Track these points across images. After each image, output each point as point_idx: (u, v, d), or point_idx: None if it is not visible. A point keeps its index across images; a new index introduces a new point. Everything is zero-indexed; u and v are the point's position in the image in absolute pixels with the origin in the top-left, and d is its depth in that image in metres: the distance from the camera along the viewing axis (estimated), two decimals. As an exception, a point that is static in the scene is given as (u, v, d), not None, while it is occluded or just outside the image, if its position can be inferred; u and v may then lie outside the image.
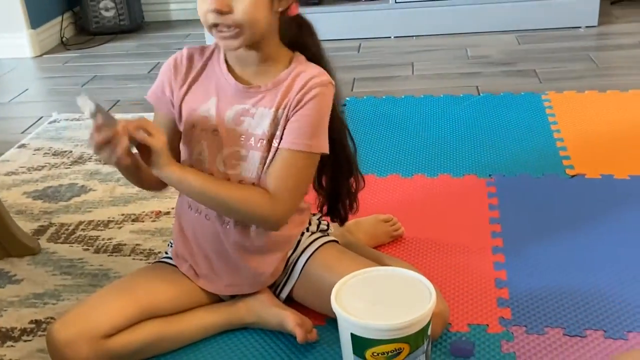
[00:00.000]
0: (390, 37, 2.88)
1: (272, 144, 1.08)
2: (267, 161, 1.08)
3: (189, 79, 1.12)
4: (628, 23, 2.81)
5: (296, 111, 1.06)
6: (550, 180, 1.61)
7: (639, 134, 1.80)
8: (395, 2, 2.83)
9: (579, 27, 2.77)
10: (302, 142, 1.06)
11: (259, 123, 1.07)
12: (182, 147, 1.14)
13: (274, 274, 1.18)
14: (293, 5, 1.07)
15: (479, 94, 2.18)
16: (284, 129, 1.07)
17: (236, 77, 1.09)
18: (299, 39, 1.11)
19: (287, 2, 1.05)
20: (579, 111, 1.97)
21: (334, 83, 1.09)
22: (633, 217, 1.44)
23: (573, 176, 1.62)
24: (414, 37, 2.86)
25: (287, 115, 1.06)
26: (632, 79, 2.21)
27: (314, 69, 1.08)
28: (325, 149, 1.07)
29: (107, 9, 3.19)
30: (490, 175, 1.65)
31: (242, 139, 1.08)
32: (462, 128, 1.93)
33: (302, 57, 1.10)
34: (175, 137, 1.13)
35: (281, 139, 1.07)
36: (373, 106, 2.14)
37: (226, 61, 1.10)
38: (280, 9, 1.05)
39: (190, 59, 1.12)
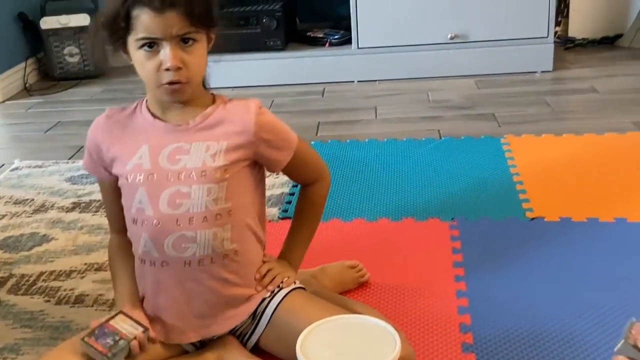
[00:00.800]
0: (353, 82, 2.94)
1: (227, 172, 1.09)
2: (215, 191, 1.09)
3: (115, 137, 1.14)
4: (581, 68, 2.92)
5: (262, 138, 1.12)
6: (511, 223, 1.65)
7: (594, 177, 1.86)
8: (358, 48, 2.90)
9: (535, 72, 2.87)
10: (290, 142, 1.16)
11: (196, 157, 1.10)
12: (122, 202, 1.15)
13: (243, 310, 1.16)
14: None
15: (441, 138, 2.23)
16: (254, 154, 1.13)
17: (163, 120, 1.13)
18: None
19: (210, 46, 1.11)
20: (536, 154, 2.03)
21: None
22: (592, 260, 1.47)
23: (532, 219, 1.66)
24: (377, 82, 2.92)
25: (241, 144, 1.10)
26: (586, 122, 2.29)
27: (240, 101, 1.14)
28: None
29: (71, 55, 3.19)
30: (453, 219, 1.68)
31: (182, 176, 1.09)
32: (425, 172, 1.97)
33: (224, 97, 1.16)
34: (119, 197, 1.16)
35: (255, 163, 1.15)
36: (337, 150, 2.17)
37: (149, 109, 1.13)
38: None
39: (112, 118, 1.16)
